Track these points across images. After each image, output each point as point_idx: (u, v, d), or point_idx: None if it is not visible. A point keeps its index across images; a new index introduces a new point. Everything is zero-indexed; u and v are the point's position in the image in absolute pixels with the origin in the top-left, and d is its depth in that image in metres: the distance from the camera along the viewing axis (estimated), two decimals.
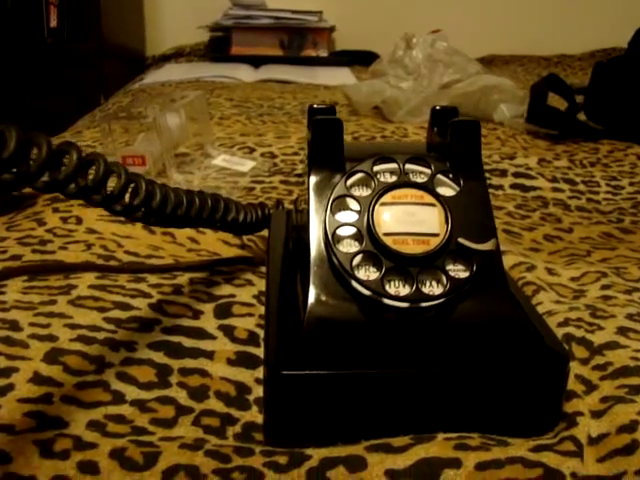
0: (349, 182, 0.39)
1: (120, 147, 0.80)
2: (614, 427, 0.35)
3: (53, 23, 1.67)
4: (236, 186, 0.78)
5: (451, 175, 0.40)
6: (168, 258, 0.57)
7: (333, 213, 0.38)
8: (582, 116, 1.09)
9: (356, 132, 1.04)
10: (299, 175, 0.81)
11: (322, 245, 0.38)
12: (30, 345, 0.41)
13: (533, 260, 0.57)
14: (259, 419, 0.38)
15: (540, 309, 0.47)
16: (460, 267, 0.37)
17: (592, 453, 0.34)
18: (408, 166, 0.40)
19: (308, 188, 0.40)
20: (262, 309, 0.47)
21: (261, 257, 0.56)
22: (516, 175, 0.85)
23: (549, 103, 1.06)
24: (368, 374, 0.35)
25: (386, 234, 0.37)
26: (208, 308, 0.47)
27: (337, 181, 0.39)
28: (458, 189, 0.39)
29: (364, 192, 0.39)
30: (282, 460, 0.33)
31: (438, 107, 0.46)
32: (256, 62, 1.84)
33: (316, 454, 0.33)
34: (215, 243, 0.60)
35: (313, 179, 0.40)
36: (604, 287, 0.52)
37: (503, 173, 0.85)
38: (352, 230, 0.37)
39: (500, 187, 0.82)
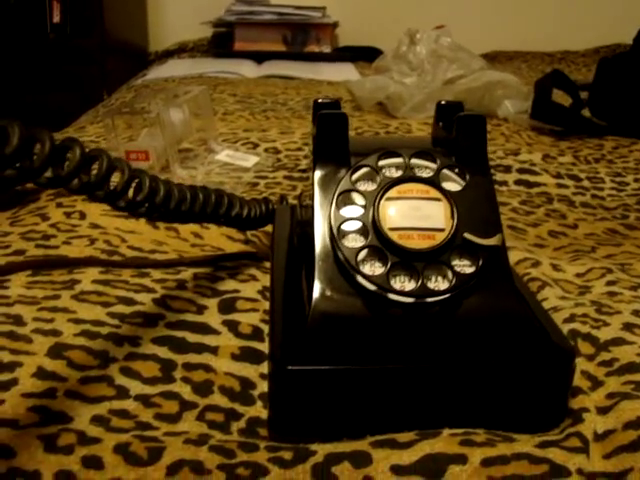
0: (354, 177, 0.39)
1: (123, 142, 0.80)
2: (620, 423, 0.35)
3: (56, 19, 1.67)
4: (240, 181, 0.77)
5: (457, 170, 0.40)
6: (172, 253, 0.56)
7: (338, 208, 0.38)
8: (586, 112, 1.09)
9: (360, 128, 1.03)
10: (303, 170, 0.81)
11: (327, 240, 0.37)
12: (34, 340, 0.41)
13: (538, 256, 0.57)
14: (263, 414, 0.38)
15: (545, 305, 0.47)
16: (466, 262, 0.37)
17: (598, 449, 0.34)
18: (414, 161, 0.39)
19: (313, 183, 0.40)
20: (266, 304, 0.47)
21: (265, 252, 0.56)
22: (520, 171, 0.85)
23: (553, 99, 1.06)
24: (373, 369, 0.35)
25: (391, 229, 0.36)
26: (212, 303, 0.47)
27: (342, 176, 0.39)
28: (464, 184, 0.39)
29: (369, 187, 0.39)
30: (287, 455, 0.33)
31: (443, 102, 0.46)
32: (259, 58, 1.84)
33: (321, 449, 0.33)
34: (219, 238, 0.60)
35: (318, 173, 0.40)
36: (609, 283, 0.52)
37: (507, 169, 0.85)
38: (357, 225, 0.37)
39: (504, 183, 0.82)
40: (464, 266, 0.37)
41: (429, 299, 0.36)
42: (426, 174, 0.39)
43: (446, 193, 0.38)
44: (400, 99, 1.12)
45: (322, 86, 1.49)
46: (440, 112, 0.45)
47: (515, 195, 0.78)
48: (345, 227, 0.37)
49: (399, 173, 0.39)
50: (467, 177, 0.39)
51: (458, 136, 0.41)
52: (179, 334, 0.43)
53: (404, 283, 0.36)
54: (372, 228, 0.37)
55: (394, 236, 0.36)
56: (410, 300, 0.36)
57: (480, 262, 0.37)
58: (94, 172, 0.34)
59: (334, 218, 0.37)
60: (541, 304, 0.42)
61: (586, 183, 0.83)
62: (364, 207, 0.38)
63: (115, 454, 0.33)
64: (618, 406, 0.37)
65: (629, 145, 0.98)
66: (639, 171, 0.88)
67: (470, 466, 0.32)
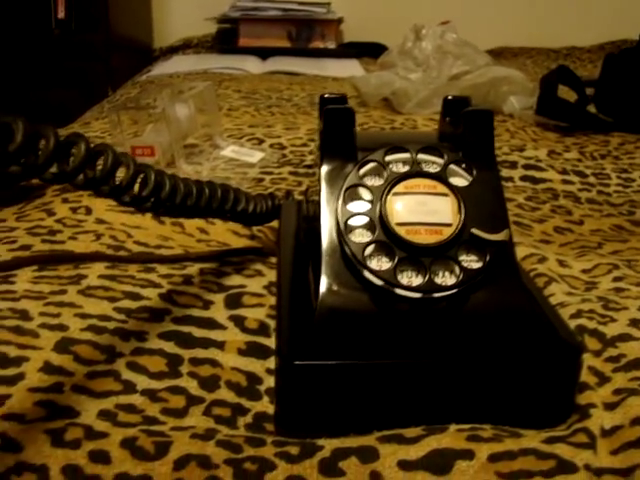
0: (361, 172, 0.39)
1: (129, 138, 0.80)
2: (627, 419, 0.35)
3: (61, 14, 1.67)
4: (245, 177, 0.77)
5: (464, 165, 0.39)
6: (177, 248, 0.56)
7: (345, 203, 0.38)
8: (592, 108, 1.09)
9: (365, 124, 1.03)
10: (308, 166, 0.81)
11: (334, 235, 0.37)
12: (40, 334, 0.41)
13: (544, 252, 0.56)
14: (270, 409, 0.38)
15: (552, 301, 0.47)
16: (473, 257, 0.37)
17: (605, 445, 0.34)
18: (420, 156, 0.39)
19: (320, 178, 0.40)
20: (272, 300, 0.47)
21: (271, 248, 0.56)
22: (526, 167, 0.85)
23: (559, 95, 1.05)
24: (380, 364, 0.35)
25: (399, 224, 0.36)
26: (218, 298, 0.47)
27: (349, 171, 0.39)
28: (471, 179, 0.39)
29: (376, 182, 0.39)
30: (294, 450, 0.33)
31: (450, 97, 0.45)
32: (264, 54, 1.84)
33: (328, 445, 0.33)
34: (225, 234, 0.60)
35: (325, 168, 0.40)
36: (616, 279, 0.52)
37: (513, 165, 0.85)
38: (364, 220, 0.37)
39: (510, 179, 0.81)
40: (471, 261, 0.36)
41: (436, 294, 0.36)
42: (433, 169, 0.39)
43: (453, 188, 0.38)
44: (405, 95, 1.12)
45: (327, 82, 1.49)
46: (447, 107, 0.45)
47: (521, 191, 0.78)
48: (352, 222, 0.37)
49: (406, 168, 0.39)
50: (474, 172, 0.39)
51: (465, 131, 0.41)
52: (185, 329, 0.43)
53: (411, 278, 0.36)
54: (379, 223, 0.37)
55: (401, 231, 0.36)
56: (417, 295, 0.36)
57: (487, 257, 0.36)
58: (99, 167, 0.34)
59: (341, 213, 0.37)
60: (548, 300, 0.42)
61: (592, 179, 0.83)
62: (371, 202, 0.38)
63: (122, 449, 0.33)
64: (625, 402, 0.36)
65: (635, 141, 0.98)
66: None
67: (477, 461, 0.32)
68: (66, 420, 0.35)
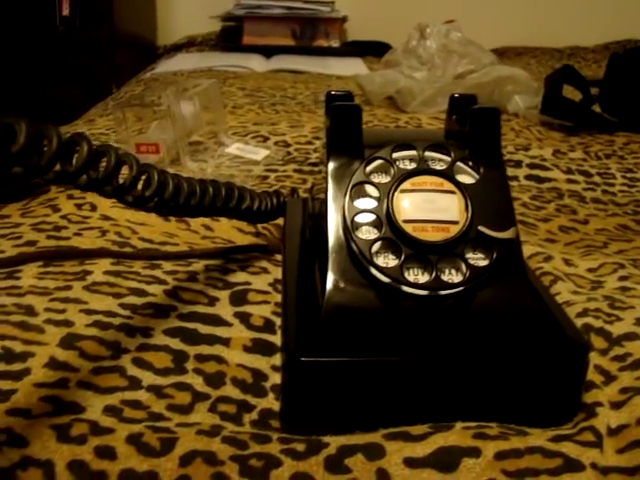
0: (368, 169, 0.39)
1: (133, 135, 0.80)
2: (634, 418, 0.35)
3: (65, 11, 1.67)
4: (250, 174, 0.77)
5: (471, 163, 0.39)
6: (182, 245, 0.56)
7: (352, 200, 0.38)
8: (597, 108, 1.09)
9: (370, 122, 1.03)
10: (313, 164, 0.81)
11: (341, 232, 0.37)
12: (46, 330, 0.41)
13: (550, 251, 0.56)
14: (275, 406, 0.38)
15: (558, 299, 0.47)
16: (480, 255, 0.37)
17: (612, 444, 0.34)
18: (427, 153, 0.39)
19: (327, 174, 0.39)
20: (278, 297, 0.47)
21: (276, 245, 0.56)
22: (531, 166, 0.85)
23: (563, 95, 1.05)
24: (386, 361, 0.35)
25: (405, 221, 0.36)
26: (224, 295, 0.47)
27: (356, 168, 0.39)
28: (478, 177, 0.39)
29: (383, 179, 0.38)
30: (300, 447, 0.33)
31: (457, 95, 0.45)
32: (268, 52, 1.84)
33: (334, 441, 0.33)
34: (229, 231, 0.60)
35: (332, 165, 0.40)
36: (622, 278, 0.52)
37: (518, 164, 0.85)
38: (371, 217, 0.37)
39: (515, 178, 0.81)
40: (478, 259, 0.36)
41: (443, 292, 0.36)
42: (440, 167, 0.39)
43: (460, 186, 0.38)
44: (410, 94, 1.11)
45: (331, 80, 1.49)
46: (454, 105, 0.45)
47: (525, 190, 0.78)
48: (359, 219, 0.37)
49: (413, 165, 0.39)
50: (481, 170, 0.39)
51: (472, 129, 0.41)
52: (191, 325, 0.43)
53: (418, 276, 0.36)
54: (386, 220, 0.37)
55: (408, 228, 0.36)
56: (424, 293, 0.36)
57: (494, 255, 0.36)
58: (102, 168, 0.34)
59: (348, 210, 0.37)
60: (555, 298, 0.42)
61: (597, 179, 0.83)
62: (378, 199, 0.37)
63: (128, 444, 0.33)
64: (632, 401, 0.36)
65: None
66: None
67: (484, 459, 0.32)
68: (72, 416, 0.35)
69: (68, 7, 1.64)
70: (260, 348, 0.42)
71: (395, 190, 0.37)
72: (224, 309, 0.45)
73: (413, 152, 0.39)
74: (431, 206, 0.37)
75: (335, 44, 1.97)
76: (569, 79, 1.07)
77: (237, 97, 1.21)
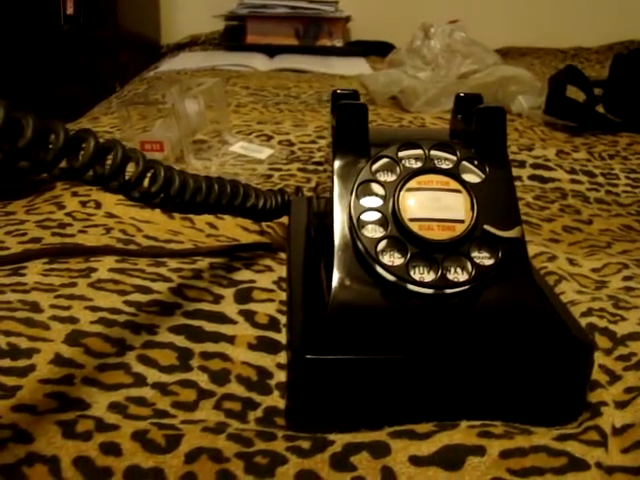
0: (374, 167, 0.39)
1: (138, 133, 0.80)
2: (638, 418, 0.35)
3: (70, 10, 1.67)
4: (254, 173, 0.77)
5: (476, 162, 0.39)
6: (187, 243, 0.57)
7: (358, 198, 0.38)
8: (600, 109, 1.08)
9: (373, 122, 1.03)
10: (317, 163, 0.81)
11: (346, 230, 0.37)
12: (51, 327, 0.41)
13: (554, 250, 0.56)
14: (280, 404, 0.38)
15: (563, 299, 0.47)
16: (485, 254, 0.37)
17: (616, 443, 0.34)
18: (433, 152, 0.39)
19: (332, 173, 0.40)
20: (282, 295, 0.47)
21: (280, 243, 0.56)
22: (534, 166, 0.85)
23: (567, 95, 1.05)
24: (391, 359, 0.35)
25: (411, 220, 0.36)
26: (228, 293, 0.47)
27: (362, 166, 0.39)
28: (484, 176, 0.39)
29: (389, 177, 0.39)
30: (305, 445, 0.33)
31: (462, 94, 0.45)
32: (271, 51, 1.84)
33: (339, 439, 0.33)
34: (234, 229, 0.60)
35: (337, 164, 0.40)
36: (626, 278, 0.52)
37: (521, 164, 0.85)
38: (377, 215, 0.37)
39: (518, 178, 0.81)
40: (483, 258, 0.36)
41: (448, 290, 0.36)
42: (446, 166, 0.39)
43: (466, 185, 0.38)
44: (414, 93, 1.11)
45: (335, 80, 1.49)
46: (459, 104, 0.45)
47: (529, 190, 0.78)
48: (365, 217, 0.37)
49: (419, 164, 0.39)
50: (487, 169, 0.39)
51: (477, 128, 0.41)
52: (196, 323, 0.43)
53: (423, 274, 0.36)
54: (392, 218, 0.37)
55: (414, 227, 0.36)
56: (429, 291, 0.36)
57: (499, 254, 0.36)
58: (108, 163, 0.34)
59: (354, 208, 0.37)
60: (559, 297, 0.42)
61: (600, 179, 0.83)
62: (384, 198, 0.38)
63: (133, 441, 0.33)
64: (636, 401, 0.37)
65: None
66: None
67: (488, 457, 0.32)
68: (77, 412, 0.35)
69: (72, 6, 1.64)
70: (265, 346, 0.42)
71: (401, 189, 0.37)
72: (229, 307, 0.45)
73: (419, 151, 0.39)
74: (437, 205, 0.37)
75: (338, 44, 1.97)
76: (573, 79, 1.07)
77: (241, 96, 1.21)
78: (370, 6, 2.10)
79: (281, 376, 0.40)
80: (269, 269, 0.51)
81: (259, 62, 1.69)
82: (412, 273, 0.36)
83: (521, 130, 1.01)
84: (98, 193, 0.62)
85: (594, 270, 0.54)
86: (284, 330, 0.43)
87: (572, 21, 2.12)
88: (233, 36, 1.99)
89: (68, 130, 0.30)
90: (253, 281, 0.49)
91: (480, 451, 0.32)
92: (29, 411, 0.34)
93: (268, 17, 1.95)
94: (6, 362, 0.38)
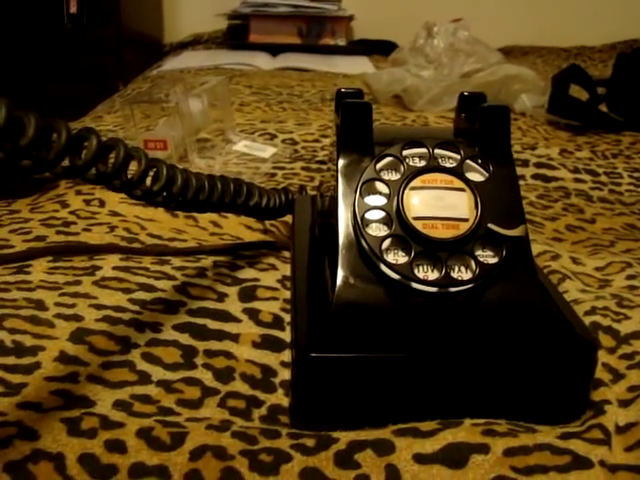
0: (378, 166, 0.39)
1: (141, 131, 0.80)
2: None
3: (73, 9, 1.67)
4: (257, 172, 0.78)
5: (480, 161, 0.40)
6: (191, 241, 0.57)
7: (362, 196, 0.38)
8: (603, 108, 1.08)
9: (376, 120, 1.02)
10: (321, 162, 0.81)
11: (351, 228, 0.37)
12: (56, 324, 0.42)
13: (557, 249, 0.57)
14: (285, 402, 0.38)
15: (566, 297, 0.47)
16: (489, 253, 0.37)
17: (620, 442, 0.34)
18: (437, 151, 0.39)
19: (337, 171, 0.40)
20: (286, 293, 0.47)
21: (284, 242, 0.56)
22: (538, 165, 0.85)
23: (570, 94, 1.05)
24: (395, 358, 0.35)
25: (415, 218, 0.36)
26: (232, 291, 0.47)
27: (366, 165, 0.39)
28: (487, 175, 0.39)
29: (393, 176, 0.39)
30: (309, 443, 0.33)
31: (466, 93, 0.45)
32: (274, 50, 1.84)
33: (344, 437, 0.33)
34: (237, 227, 0.60)
35: (342, 162, 0.40)
36: (629, 277, 0.52)
37: (525, 163, 0.85)
38: (381, 214, 0.37)
39: (522, 177, 0.81)
40: (487, 256, 0.37)
41: (452, 289, 0.36)
42: (450, 164, 0.39)
43: (470, 183, 0.38)
44: (417, 92, 1.11)
45: (338, 79, 1.49)
46: (463, 103, 0.45)
47: (532, 189, 0.78)
48: (369, 216, 0.37)
49: (423, 163, 0.39)
50: (491, 168, 0.39)
51: (481, 127, 0.41)
52: (200, 321, 0.43)
53: (427, 272, 0.36)
54: (396, 217, 0.37)
55: (418, 225, 0.36)
56: (433, 289, 0.36)
57: (503, 253, 0.37)
58: (111, 162, 0.34)
59: (358, 207, 0.37)
60: (563, 296, 0.42)
61: (604, 178, 0.83)
62: (388, 196, 0.38)
63: (138, 438, 0.33)
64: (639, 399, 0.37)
65: None
66: None
67: (492, 456, 0.32)
68: (82, 409, 0.35)
69: (76, 5, 1.64)
70: (269, 344, 0.42)
71: (405, 187, 0.37)
72: (233, 305, 0.45)
73: (423, 150, 0.39)
74: (441, 203, 0.37)
75: (341, 42, 1.97)
76: (576, 78, 1.07)
77: (244, 95, 1.21)
78: (373, 5, 2.10)
79: (285, 374, 0.40)
80: (273, 267, 0.51)
81: (262, 61, 1.69)
82: (416, 271, 0.36)
83: (524, 129, 1.01)
84: (102, 191, 0.63)
85: (597, 269, 0.54)
86: (288, 328, 0.44)
87: (575, 20, 2.11)
88: (236, 35, 1.99)
89: (70, 129, 0.31)
90: (257, 279, 0.49)
91: (484, 449, 0.32)
92: (34, 408, 0.35)
93: (271, 16, 1.94)
94: (11, 359, 0.38)
